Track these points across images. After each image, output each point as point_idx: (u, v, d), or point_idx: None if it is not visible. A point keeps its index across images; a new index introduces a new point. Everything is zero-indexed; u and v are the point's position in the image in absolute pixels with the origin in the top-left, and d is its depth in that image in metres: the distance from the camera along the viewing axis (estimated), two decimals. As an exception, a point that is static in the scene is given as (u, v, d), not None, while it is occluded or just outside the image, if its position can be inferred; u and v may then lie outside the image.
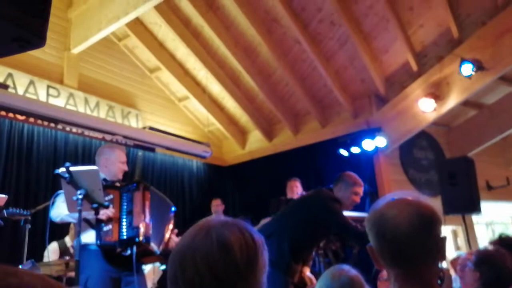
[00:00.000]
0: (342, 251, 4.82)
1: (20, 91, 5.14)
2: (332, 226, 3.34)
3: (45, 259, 4.22)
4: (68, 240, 4.57)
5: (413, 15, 5.39)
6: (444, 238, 1.15)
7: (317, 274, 3.97)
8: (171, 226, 3.13)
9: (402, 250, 1.11)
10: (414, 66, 5.80)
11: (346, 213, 3.57)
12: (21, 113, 4.92)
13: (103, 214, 2.81)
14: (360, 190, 3.41)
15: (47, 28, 0.77)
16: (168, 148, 6.21)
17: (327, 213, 3.24)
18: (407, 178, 6.63)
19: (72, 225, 4.42)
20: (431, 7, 5.27)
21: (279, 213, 3.62)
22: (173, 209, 3.22)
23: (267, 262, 0.96)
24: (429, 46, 5.67)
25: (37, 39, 0.75)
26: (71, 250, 4.48)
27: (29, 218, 3.75)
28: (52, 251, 4.34)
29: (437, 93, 5.55)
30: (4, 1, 0.67)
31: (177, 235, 3.16)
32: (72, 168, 2.67)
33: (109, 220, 2.85)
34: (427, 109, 5.56)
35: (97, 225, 2.85)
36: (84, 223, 2.79)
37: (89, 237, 2.89)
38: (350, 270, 1.87)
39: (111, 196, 2.91)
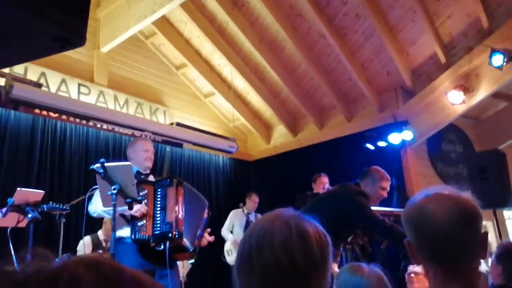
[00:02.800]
0: (370, 246, 4.79)
1: (53, 89, 5.31)
2: (359, 220, 3.32)
3: (79, 253, 4.37)
4: (100, 234, 4.70)
5: (440, 5, 5.28)
6: (486, 234, 1.11)
7: (344, 268, 3.97)
8: (204, 223, 3.19)
9: (442, 245, 1.08)
10: (442, 58, 5.69)
11: (374, 208, 3.56)
12: (54, 110, 5.07)
13: (137, 211, 2.89)
14: (387, 185, 3.38)
15: (87, 28, 0.79)
16: (195, 144, 6.30)
17: (354, 207, 3.22)
18: (435, 172, 6.53)
19: (105, 220, 4.56)
20: (460, -3, 5.16)
21: (305, 208, 3.63)
22: (207, 209, 3.26)
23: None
24: (457, 37, 5.55)
25: (77, 38, 0.77)
26: (104, 244, 4.62)
27: (64, 212, 3.89)
28: (85, 244, 4.49)
29: (466, 85, 5.44)
30: (46, 2, 0.70)
31: (210, 234, 3.23)
32: (106, 164, 2.74)
33: (143, 215, 2.92)
34: (455, 101, 5.46)
35: (131, 220, 2.93)
36: (120, 218, 2.88)
37: (124, 232, 2.98)
38: (373, 267, 1.81)
39: (145, 191, 2.99)
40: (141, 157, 3.22)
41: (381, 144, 6.00)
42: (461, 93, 5.38)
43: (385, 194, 3.39)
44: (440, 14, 5.36)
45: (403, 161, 6.09)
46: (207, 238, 3.18)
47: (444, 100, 5.59)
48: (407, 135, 5.81)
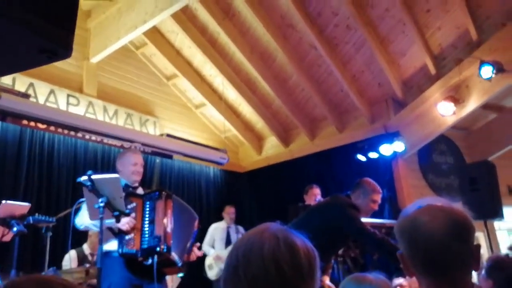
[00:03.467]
0: (361, 258, 4.76)
1: (41, 100, 5.24)
2: (349, 232, 3.30)
3: (65, 267, 4.26)
4: (86, 247, 4.62)
5: (430, 17, 5.33)
6: (479, 246, 1.11)
7: (336, 281, 3.93)
8: (194, 237, 3.13)
9: (435, 258, 1.06)
10: (432, 69, 5.73)
11: (365, 220, 3.53)
12: (42, 121, 5.02)
13: (124, 224, 2.83)
14: (379, 198, 3.37)
15: (73, 40, 0.79)
16: (185, 155, 6.25)
17: (344, 219, 3.20)
18: (427, 183, 6.53)
19: (90, 233, 4.49)
20: (449, 10, 5.21)
21: (296, 219, 3.59)
22: (196, 222, 3.20)
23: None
24: (447, 48, 5.60)
25: (63, 50, 0.78)
26: (90, 258, 4.53)
27: (51, 225, 3.81)
28: (71, 259, 4.40)
29: (457, 96, 5.48)
30: (31, 14, 0.69)
31: (199, 248, 3.18)
32: (94, 176, 2.70)
33: (131, 229, 2.87)
34: (446, 112, 5.48)
35: (119, 233, 2.87)
36: (107, 231, 2.82)
37: (111, 245, 2.91)
38: (377, 275, 1.82)
39: (134, 204, 2.94)
40: (128, 171, 3.17)
41: (373, 155, 6.00)
42: (452, 104, 5.41)
43: (376, 207, 3.37)
44: (430, 26, 5.41)
45: (395, 172, 6.08)
46: (196, 253, 3.13)
47: (435, 111, 5.62)
48: (398, 146, 5.81)
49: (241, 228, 5.97)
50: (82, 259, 4.48)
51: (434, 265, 1.07)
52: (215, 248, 5.83)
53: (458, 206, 1.13)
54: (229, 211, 6.02)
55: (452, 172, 6.74)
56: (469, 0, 5.08)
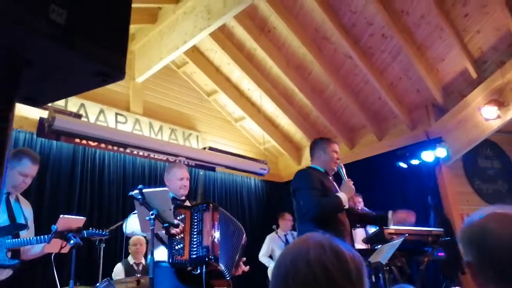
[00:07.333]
0: (408, 267, 4.68)
1: (92, 119, 5.57)
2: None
3: (114, 278, 4.44)
4: (130, 258, 4.81)
5: (468, 21, 5.24)
6: None
7: (382, 291, 3.89)
8: (241, 251, 3.16)
9: (509, 267, 1.02)
10: (473, 73, 5.61)
11: (411, 228, 3.48)
12: (93, 139, 5.30)
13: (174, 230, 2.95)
14: (336, 147, 3.40)
15: (126, 62, 0.83)
16: (227, 167, 6.41)
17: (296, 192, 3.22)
18: (473, 189, 6.34)
19: (131, 244, 4.70)
20: (488, 12, 5.11)
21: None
22: (244, 237, 3.23)
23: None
24: (488, 51, 5.48)
25: (117, 73, 0.81)
26: (135, 267, 4.72)
27: (104, 238, 4.01)
28: (118, 272, 4.62)
29: (500, 99, 5.33)
30: (88, 40, 0.74)
31: (245, 263, 3.20)
32: (144, 190, 2.82)
33: (180, 239, 2.97)
34: (490, 116, 5.35)
35: (169, 243, 3.00)
36: (157, 242, 2.95)
37: (159, 255, 3.02)
38: None
39: (182, 216, 3.04)
40: (175, 185, 3.28)
41: (414, 162, 5.90)
42: (495, 108, 5.28)
43: (337, 155, 3.37)
44: (468, 29, 5.32)
45: (439, 179, 5.96)
46: (243, 267, 3.17)
47: (478, 116, 5.49)
48: (440, 152, 5.71)
49: (296, 234, 5.98)
50: (129, 271, 4.67)
51: (508, 275, 1.02)
52: (274, 257, 5.82)
53: None
54: (288, 218, 5.98)
55: (499, 177, 6.51)
56: (509, 0, 4.96)
